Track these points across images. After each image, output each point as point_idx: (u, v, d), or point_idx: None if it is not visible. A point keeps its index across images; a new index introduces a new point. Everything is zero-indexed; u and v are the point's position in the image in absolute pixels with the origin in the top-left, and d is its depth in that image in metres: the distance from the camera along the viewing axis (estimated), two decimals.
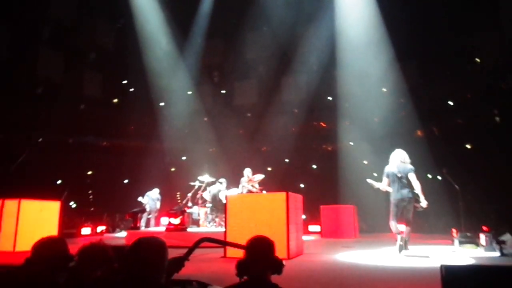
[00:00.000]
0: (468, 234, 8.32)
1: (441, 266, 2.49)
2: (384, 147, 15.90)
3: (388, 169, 7.07)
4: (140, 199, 12.64)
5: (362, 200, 12.10)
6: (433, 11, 15.67)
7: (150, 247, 1.88)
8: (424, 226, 13.77)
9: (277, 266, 1.97)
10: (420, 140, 18.82)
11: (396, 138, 16.30)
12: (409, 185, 6.79)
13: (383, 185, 7.09)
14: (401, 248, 6.70)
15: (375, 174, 14.19)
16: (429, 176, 17.41)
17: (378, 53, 16.80)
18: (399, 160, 7.04)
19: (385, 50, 16.93)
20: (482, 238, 7.68)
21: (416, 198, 6.75)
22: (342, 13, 16.93)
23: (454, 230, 9.24)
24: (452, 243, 8.53)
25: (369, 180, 7.34)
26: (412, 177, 6.76)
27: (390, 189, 7.04)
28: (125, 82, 20.56)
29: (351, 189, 14.32)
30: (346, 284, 4.58)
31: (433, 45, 16.44)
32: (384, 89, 18.14)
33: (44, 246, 2.05)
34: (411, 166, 6.95)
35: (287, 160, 18.49)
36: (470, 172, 14.18)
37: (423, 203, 6.73)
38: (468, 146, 17.10)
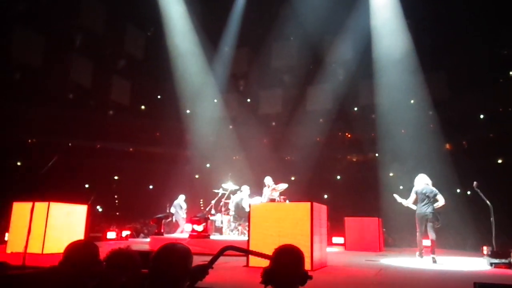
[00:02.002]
0: (500, 252, 7.96)
1: (475, 284, 2.41)
2: (410, 160, 15.59)
3: (417, 188, 8.03)
4: (172, 210, 12.82)
5: (388, 213, 11.83)
6: (463, 22, 15.32)
7: (175, 254, 1.89)
8: (452, 243, 13.31)
9: (304, 279, 1.92)
10: (449, 153, 18.31)
11: (423, 151, 15.95)
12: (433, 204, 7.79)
13: (408, 201, 8.14)
14: (434, 262, 7.50)
15: (401, 187, 13.90)
16: (458, 190, 16.87)
17: (407, 64, 16.54)
18: (424, 183, 8.04)
19: (413, 61, 16.65)
20: None
21: (437, 216, 7.69)
22: (370, 24, 16.79)
23: (485, 248, 8.86)
24: (484, 260, 8.19)
25: (395, 195, 8.38)
26: (440, 197, 7.80)
27: (413, 206, 8.08)
28: (152, 89, 20.98)
29: (376, 201, 14.04)
30: None
31: (463, 56, 16.03)
32: (412, 101, 17.78)
33: (76, 250, 2.06)
34: (435, 189, 7.96)
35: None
36: (501, 187, 13.65)
37: (439, 223, 7.80)
38: (500, 161, 16.50)
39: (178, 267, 1.87)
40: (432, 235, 7.74)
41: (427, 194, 7.82)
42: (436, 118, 18.30)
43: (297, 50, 18.62)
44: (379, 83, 17.28)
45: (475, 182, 8.81)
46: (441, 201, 7.77)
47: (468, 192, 15.85)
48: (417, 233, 7.94)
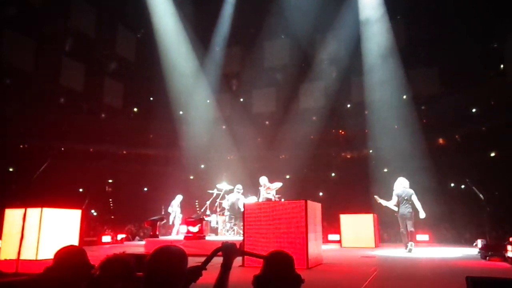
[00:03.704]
0: (493, 245, 8.01)
1: (467, 278, 2.39)
2: (405, 155, 15.64)
3: (397, 191, 8.98)
4: (169, 209, 12.75)
5: (384, 209, 11.85)
6: (454, 17, 15.41)
7: (169, 256, 1.88)
8: (449, 237, 13.38)
9: (298, 281, 1.91)
10: (442, 148, 18.42)
11: (416, 147, 16.01)
12: (412, 204, 8.74)
13: (389, 203, 9.10)
14: (410, 251, 8.61)
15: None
16: (452, 185, 16.97)
17: (399, 60, 16.60)
18: (402, 186, 8.96)
19: (405, 56, 16.71)
20: (510, 249, 7.37)
21: (416, 213, 8.72)
22: (361, 21, 16.83)
23: (479, 241, 8.92)
24: (477, 254, 8.23)
25: (376, 197, 9.31)
26: (414, 198, 8.76)
27: (393, 207, 9.05)
28: (144, 91, 20.88)
29: (371, 198, 14.06)
30: None
31: (455, 51, 16.12)
32: (405, 96, 17.86)
33: (64, 255, 2.10)
34: (411, 190, 8.86)
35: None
36: (495, 181, 13.75)
37: (422, 215, 8.78)
38: (492, 154, 16.61)
39: (173, 270, 1.85)
40: (410, 228, 8.72)
41: (405, 197, 8.81)
42: (429, 113, 18.39)
43: (289, 49, 18.65)
44: (371, 80, 17.33)
45: (467, 178, 9.07)
46: (415, 201, 8.73)
47: (462, 186, 15.96)
48: (401, 230, 8.96)
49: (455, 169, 15.48)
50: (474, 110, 17.74)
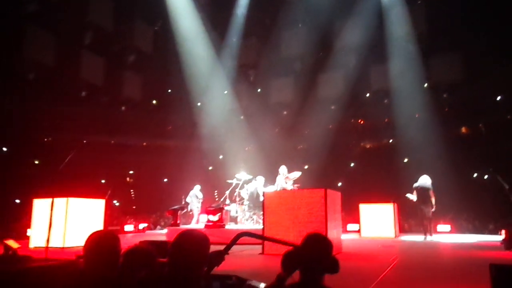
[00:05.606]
0: None
1: (491, 265, 2.38)
2: (426, 145, 15.36)
3: (416, 185, 10.34)
4: (188, 199, 12.94)
5: (405, 199, 11.72)
6: (479, 0, 14.91)
7: (193, 240, 1.92)
8: (471, 228, 13.16)
9: (334, 267, 1.87)
10: (465, 137, 18.00)
11: (438, 136, 15.69)
12: (429, 197, 10.02)
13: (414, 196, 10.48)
14: (426, 239, 9.84)
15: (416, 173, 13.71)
16: (475, 175, 16.60)
17: (420, 46, 16.22)
18: (425, 181, 10.24)
19: (426, 42, 16.31)
20: None
21: (432, 205, 9.96)
22: (381, 5, 16.49)
23: (503, 231, 8.74)
24: (502, 244, 8.08)
25: (408, 195, 10.46)
26: (431, 193, 10.00)
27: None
28: (162, 83, 21.07)
29: (392, 188, 13.91)
30: (387, 281, 4.45)
31: (479, 36, 15.58)
32: (426, 84, 17.48)
33: (97, 240, 2.07)
34: (430, 184, 10.12)
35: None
36: None
37: (433, 208, 10.05)
38: None
39: (196, 253, 1.89)
40: (429, 215, 10.05)
41: (422, 191, 10.11)
42: (451, 101, 17.95)
43: (306, 37, 18.39)
44: (391, 67, 17.01)
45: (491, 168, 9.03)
46: (431, 195, 9.93)
47: (486, 176, 15.60)
48: (423, 221, 10.26)
49: (479, 159, 15.12)
50: (498, 98, 17.21)
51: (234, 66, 19.54)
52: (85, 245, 2.03)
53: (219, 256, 2.23)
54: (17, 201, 15.13)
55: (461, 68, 16.77)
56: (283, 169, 10.14)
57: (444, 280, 4.58)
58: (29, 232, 8.89)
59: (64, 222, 8.18)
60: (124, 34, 19.46)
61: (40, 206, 8.62)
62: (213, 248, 2.07)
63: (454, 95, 17.68)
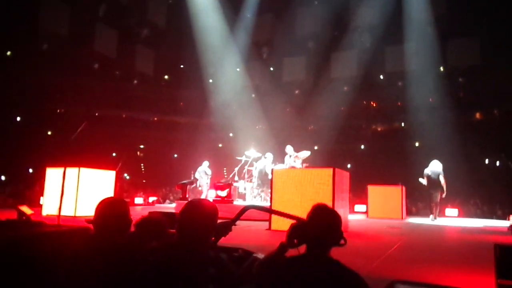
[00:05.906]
0: None
1: (495, 245, 2.39)
2: (438, 130, 15.18)
3: (426, 171, 10.28)
4: (197, 175, 13.02)
5: (413, 182, 11.70)
6: None
7: (202, 208, 1.94)
8: (478, 212, 13.12)
9: (340, 241, 1.87)
10: (479, 123, 17.72)
11: (452, 121, 15.48)
12: (439, 183, 9.96)
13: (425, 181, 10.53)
14: (432, 220, 10.08)
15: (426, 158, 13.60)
16: (487, 161, 16.41)
17: (437, 29, 15.81)
18: (435, 167, 10.19)
19: (444, 26, 15.88)
20: None
21: (441, 190, 9.95)
22: None
23: (511, 216, 8.71)
24: (509, 230, 8.06)
25: (421, 179, 10.40)
26: (442, 178, 9.93)
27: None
28: (175, 59, 20.97)
29: (401, 171, 13.86)
30: (392, 260, 4.50)
31: (497, 21, 15.11)
32: (442, 68, 17.14)
33: (107, 206, 2.11)
34: (441, 170, 10.06)
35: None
36: None
37: (443, 194, 10.07)
38: None
39: (204, 221, 1.91)
40: (436, 200, 10.15)
41: (433, 176, 10.05)
42: (467, 87, 17.60)
43: (321, 16, 18.03)
44: (407, 49, 16.66)
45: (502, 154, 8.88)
46: (441, 180, 9.91)
47: (497, 163, 15.44)
48: (431, 204, 10.40)
49: (492, 145, 14.93)
50: None
51: (247, 43, 19.31)
52: (96, 210, 2.06)
53: (227, 227, 2.25)
54: (30, 170, 15.46)
55: (479, 53, 16.35)
56: (289, 149, 10.09)
57: (448, 260, 4.61)
58: (41, 200, 9.11)
59: (75, 191, 8.35)
60: (138, 7, 19.31)
61: (52, 175, 8.79)
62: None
63: (470, 80, 17.32)
